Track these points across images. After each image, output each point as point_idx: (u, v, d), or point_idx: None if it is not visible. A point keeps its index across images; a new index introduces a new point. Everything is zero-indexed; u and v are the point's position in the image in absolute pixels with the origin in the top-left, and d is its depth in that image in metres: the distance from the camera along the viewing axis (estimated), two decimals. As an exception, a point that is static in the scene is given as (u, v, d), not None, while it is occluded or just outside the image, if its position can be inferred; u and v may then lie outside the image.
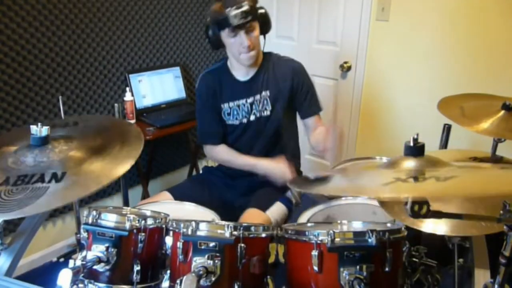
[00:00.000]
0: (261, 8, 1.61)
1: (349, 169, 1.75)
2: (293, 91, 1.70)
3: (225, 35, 1.58)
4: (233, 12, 1.51)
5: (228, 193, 1.81)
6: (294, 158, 1.83)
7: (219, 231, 1.05)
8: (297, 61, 1.74)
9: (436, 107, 1.54)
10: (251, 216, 1.57)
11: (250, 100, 1.71)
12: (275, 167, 1.63)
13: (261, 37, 1.66)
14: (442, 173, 0.84)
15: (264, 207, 1.61)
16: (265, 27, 1.63)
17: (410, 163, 0.91)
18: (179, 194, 1.72)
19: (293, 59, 1.75)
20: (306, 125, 1.76)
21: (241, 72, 1.72)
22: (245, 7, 1.51)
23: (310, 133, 1.73)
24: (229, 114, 1.75)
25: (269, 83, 1.70)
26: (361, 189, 0.90)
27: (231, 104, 1.73)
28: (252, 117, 1.73)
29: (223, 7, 1.53)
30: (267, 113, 1.71)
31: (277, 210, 1.65)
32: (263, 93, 1.70)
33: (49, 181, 1.03)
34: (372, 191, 0.85)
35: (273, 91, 1.69)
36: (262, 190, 1.73)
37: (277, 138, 1.76)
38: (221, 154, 1.80)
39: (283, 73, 1.69)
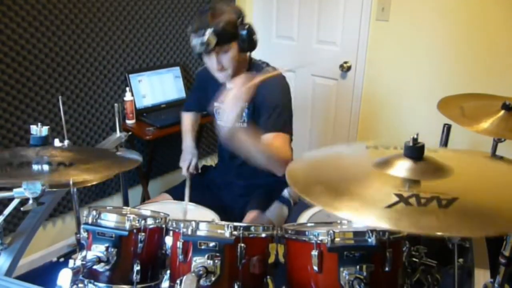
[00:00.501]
0: (242, 26, 1.50)
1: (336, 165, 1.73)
2: (258, 104, 1.58)
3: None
4: (194, 41, 1.47)
5: (226, 193, 1.81)
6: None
7: (219, 231, 1.05)
8: (280, 78, 1.60)
9: (436, 107, 1.54)
10: (252, 219, 1.57)
11: None
12: (183, 151, 1.88)
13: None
14: (444, 189, 0.82)
15: (263, 208, 1.61)
16: (248, 44, 1.52)
17: (401, 169, 0.90)
18: (179, 194, 1.72)
19: (277, 73, 1.55)
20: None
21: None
22: (205, 38, 1.44)
23: None
24: (218, 113, 1.74)
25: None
26: (357, 210, 0.79)
27: (220, 105, 1.70)
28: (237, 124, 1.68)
29: (191, 30, 1.50)
30: (244, 125, 1.63)
31: (276, 210, 1.65)
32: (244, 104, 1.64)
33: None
34: (372, 215, 0.76)
35: (250, 106, 1.60)
36: (260, 191, 1.73)
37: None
38: (184, 119, 2.00)
39: (262, 90, 1.46)
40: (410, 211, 0.76)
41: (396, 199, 0.78)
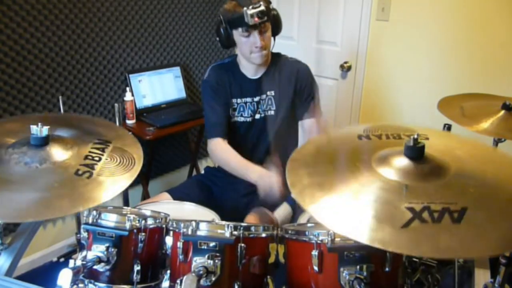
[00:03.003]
0: (274, 9, 1.63)
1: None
2: (296, 92, 1.71)
3: (238, 34, 1.60)
4: (250, 11, 1.52)
5: (229, 194, 1.81)
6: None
7: (219, 231, 1.05)
8: (304, 63, 1.76)
9: (436, 107, 1.55)
10: (258, 214, 1.56)
11: (256, 99, 1.73)
12: (265, 177, 1.49)
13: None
14: (451, 195, 0.81)
15: (271, 207, 1.60)
16: (276, 28, 1.66)
17: (404, 170, 0.89)
18: (179, 195, 1.72)
19: (300, 61, 1.77)
20: (303, 127, 1.77)
21: (250, 70, 1.73)
22: (262, 7, 1.53)
23: (306, 136, 1.74)
24: (235, 110, 1.75)
25: (275, 83, 1.71)
26: (372, 230, 0.77)
27: (239, 100, 1.74)
28: (257, 116, 1.74)
29: (239, 6, 1.54)
30: (271, 112, 1.73)
31: (283, 211, 1.64)
32: (268, 93, 1.72)
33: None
34: (389, 238, 0.75)
35: (278, 91, 1.71)
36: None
37: (279, 139, 1.76)
38: (221, 148, 1.69)
39: (289, 75, 1.71)
40: (426, 231, 0.75)
41: (410, 215, 0.77)
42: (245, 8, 1.52)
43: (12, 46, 2.00)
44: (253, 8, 1.52)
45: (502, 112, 1.42)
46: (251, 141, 1.78)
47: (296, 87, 1.71)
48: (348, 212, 0.82)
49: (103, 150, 1.21)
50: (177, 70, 2.70)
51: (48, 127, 1.12)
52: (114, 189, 1.12)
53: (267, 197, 1.46)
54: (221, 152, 1.70)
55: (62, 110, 1.72)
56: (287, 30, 2.90)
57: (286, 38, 2.91)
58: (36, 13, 2.05)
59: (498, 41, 2.10)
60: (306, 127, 1.75)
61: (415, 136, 0.89)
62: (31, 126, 1.10)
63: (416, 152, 0.89)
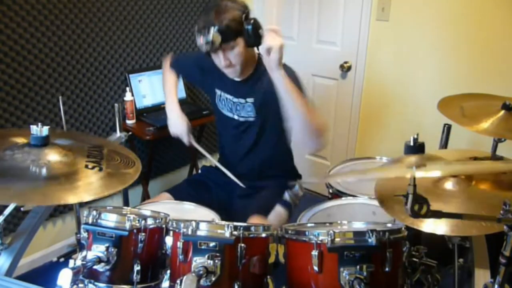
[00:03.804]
0: (247, 22, 1.46)
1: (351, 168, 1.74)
2: (275, 98, 1.46)
3: None
4: (199, 40, 1.48)
5: (226, 193, 1.81)
6: (286, 160, 1.84)
7: (219, 231, 1.05)
8: (288, 67, 1.56)
9: (436, 107, 1.54)
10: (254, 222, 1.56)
11: (235, 100, 1.70)
12: (173, 117, 1.73)
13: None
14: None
15: (265, 213, 1.60)
16: (251, 42, 1.48)
17: (412, 158, 0.90)
18: (179, 194, 1.72)
19: (285, 65, 1.52)
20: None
21: None
22: (209, 37, 1.45)
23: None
24: (220, 100, 1.75)
25: (256, 91, 1.63)
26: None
27: (223, 93, 1.73)
28: (236, 117, 1.71)
29: (196, 28, 1.50)
30: (251, 119, 1.68)
31: (278, 214, 1.64)
32: (248, 99, 1.66)
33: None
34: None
35: (258, 99, 1.63)
36: (261, 194, 1.72)
37: (262, 143, 1.73)
38: (166, 67, 1.89)
39: (269, 83, 1.45)
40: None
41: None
42: (197, 35, 1.48)
43: (12, 46, 2.00)
44: (201, 35, 1.46)
45: (502, 112, 1.41)
46: (234, 138, 1.77)
47: (273, 93, 1.45)
48: None
49: (100, 151, 1.22)
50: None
51: (48, 127, 1.12)
52: (125, 179, 1.20)
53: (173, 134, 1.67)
54: (165, 69, 1.91)
55: (62, 110, 1.72)
56: (287, 30, 2.90)
57: (286, 38, 2.91)
58: (36, 13, 2.05)
59: (498, 41, 2.10)
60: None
61: (415, 136, 0.90)
62: (31, 126, 1.11)
63: (416, 150, 0.90)
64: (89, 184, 1.07)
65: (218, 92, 1.75)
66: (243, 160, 1.77)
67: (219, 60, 1.54)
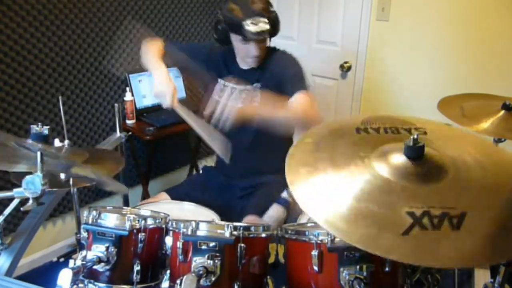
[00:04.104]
0: (273, 12, 1.57)
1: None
2: (281, 81, 1.61)
3: (235, 38, 1.58)
4: (250, 27, 1.48)
5: (226, 194, 1.81)
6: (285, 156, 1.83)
7: (219, 231, 1.05)
8: (288, 54, 1.70)
9: (436, 107, 1.55)
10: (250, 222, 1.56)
11: (241, 87, 1.70)
12: (158, 77, 1.62)
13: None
14: (450, 199, 0.81)
15: (261, 212, 1.60)
16: (275, 33, 1.62)
17: (404, 171, 0.89)
18: (177, 195, 1.72)
19: (284, 51, 1.72)
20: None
21: (241, 62, 1.72)
22: (264, 27, 1.49)
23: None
24: (221, 91, 1.74)
25: (263, 76, 1.68)
26: (370, 237, 0.76)
27: (226, 83, 1.73)
28: (240, 105, 1.70)
29: (242, 14, 1.49)
30: (256, 103, 1.68)
31: (274, 212, 1.64)
32: (255, 84, 1.69)
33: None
34: (390, 245, 0.74)
35: (264, 83, 1.67)
36: (258, 193, 1.72)
37: (264, 135, 1.72)
38: (149, 43, 1.81)
39: (275, 67, 1.66)
40: (426, 238, 0.74)
41: (410, 220, 0.76)
42: (246, 21, 1.48)
43: (12, 46, 2.00)
44: (253, 24, 1.48)
45: (502, 112, 1.41)
46: (236, 131, 1.75)
47: (280, 73, 1.64)
48: (349, 216, 0.80)
49: None
50: (177, 70, 2.70)
51: (48, 127, 1.12)
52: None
53: (158, 99, 1.58)
54: (149, 43, 1.81)
55: (62, 110, 1.71)
56: (287, 30, 2.90)
57: (286, 38, 2.91)
58: (36, 13, 2.05)
59: (498, 41, 2.10)
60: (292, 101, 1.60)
61: (415, 136, 0.89)
62: (31, 126, 1.11)
63: (415, 152, 0.89)
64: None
65: (220, 81, 1.74)
66: (245, 154, 1.76)
67: (253, 49, 1.56)
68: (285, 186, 1.72)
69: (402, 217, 0.77)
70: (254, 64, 1.66)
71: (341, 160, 0.93)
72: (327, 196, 0.84)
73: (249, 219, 1.58)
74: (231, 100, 1.43)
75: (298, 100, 1.53)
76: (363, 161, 0.90)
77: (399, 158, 0.89)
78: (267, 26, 1.51)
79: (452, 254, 0.73)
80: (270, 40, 1.71)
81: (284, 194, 1.72)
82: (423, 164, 0.88)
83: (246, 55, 1.62)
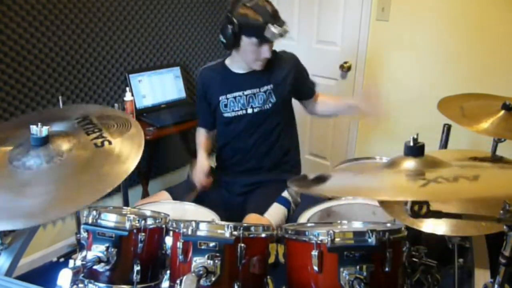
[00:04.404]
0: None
1: (349, 169, 1.74)
2: (295, 80, 1.75)
3: (248, 41, 1.58)
4: (275, 29, 1.54)
5: (226, 193, 1.81)
6: (293, 152, 1.89)
7: (219, 231, 1.05)
8: (289, 52, 1.81)
9: (436, 107, 1.54)
10: (251, 221, 1.57)
11: (247, 92, 1.73)
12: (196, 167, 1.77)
13: None
14: (444, 174, 0.83)
15: (262, 211, 1.61)
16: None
17: (410, 163, 0.91)
18: (178, 193, 1.72)
19: (285, 51, 1.81)
20: (310, 103, 1.86)
21: (239, 66, 1.74)
22: (286, 28, 1.58)
23: (315, 106, 1.87)
24: (226, 106, 1.77)
25: (271, 77, 1.72)
26: (360, 190, 0.88)
27: (228, 96, 1.75)
28: (250, 110, 1.73)
29: (260, 18, 1.54)
30: (269, 105, 1.72)
31: (275, 211, 1.64)
32: (265, 87, 1.71)
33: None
34: (373, 192, 0.82)
35: (276, 84, 1.72)
36: (259, 192, 1.73)
37: (277, 131, 1.77)
38: (198, 135, 1.94)
39: (282, 67, 1.73)
40: (446, 186, 0.76)
41: (424, 181, 0.79)
42: (269, 24, 1.53)
43: (12, 46, 2.00)
44: (278, 26, 1.55)
45: (502, 112, 1.41)
46: (243, 135, 1.78)
47: (295, 75, 1.75)
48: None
49: (94, 125, 1.22)
50: (177, 70, 2.70)
51: (48, 127, 1.12)
52: (139, 140, 1.17)
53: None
54: (197, 137, 1.96)
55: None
56: (287, 30, 2.91)
57: (286, 38, 2.90)
58: (36, 13, 2.05)
59: (498, 41, 2.10)
60: (312, 100, 1.86)
61: (415, 136, 0.90)
62: (31, 126, 1.10)
63: (416, 151, 0.90)
64: (121, 156, 1.09)
65: (222, 98, 1.76)
66: (245, 154, 1.79)
67: (266, 51, 1.62)
68: (285, 185, 1.73)
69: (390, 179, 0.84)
70: (261, 67, 1.69)
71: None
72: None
73: (251, 217, 1.58)
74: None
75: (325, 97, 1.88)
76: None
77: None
78: (287, 27, 1.58)
79: (474, 195, 0.77)
80: None
81: (285, 194, 1.72)
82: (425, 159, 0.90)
83: (257, 58, 1.64)
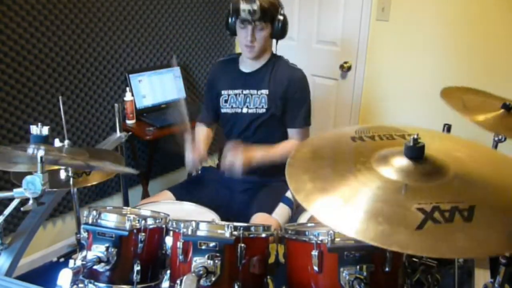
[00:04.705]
0: (283, 14, 1.66)
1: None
2: (286, 97, 1.72)
3: (237, 23, 1.65)
4: (243, 5, 1.58)
5: (227, 192, 1.81)
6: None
7: (219, 231, 1.05)
8: (301, 72, 1.75)
9: (436, 107, 1.54)
10: (260, 221, 1.57)
11: (246, 91, 1.75)
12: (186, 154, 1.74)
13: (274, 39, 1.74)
14: (457, 194, 0.82)
15: (269, 210, 1.61)
16: (278, 32, 1.68)
17: (411, 171, 0.89)
18: (181, 193, 1.72)
19: (299, 69, 1.77)
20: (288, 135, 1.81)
21: (246, 64, 1.78)
22: (255, 6, 1.57)
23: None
24: (226, 101, 1.79)
25: (269, 83, 1.73)
26: (385, 234, 0.77)
27: (230, 92, 1.78)
28: (245, 110, 1.75)
29: None
30: (262, 110, 1.74)
31: (281, 211, 1.65)
32: (262, 91, 1.73)
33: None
34: (406, 241, 0.75)
35: (271, 91, 1.72)
36: (263, 192, 1.74)
37: (276, 136, 1.77)
38: (197, 131, 1.94)
39: (281, 78, 1.72)
40: (440, 231, 0.75)
41: (421, 216, 0.77)
42: (241, 2, 1.58)
43: (12, 46, 2.00)
44: (246, 3, 1.57)
45: (502, 111, 1.41)
46: (236, 134, 1.80)
47: (287, 92, 1.71)
48: (358, 216, 0.80)
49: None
50: (177, 70, 2.70)
51: (48, 127, 1.12)
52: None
53: (229, 172, 1.59)
54: (197, 131, 1.94)
55: (62, 110, 1.72)
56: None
57: (286, 38, 2.90)
58: (36, 13, 2.05)
59: (498, 41, 2.10)
60: (288, 136, 1.79)
61: (415, 136, 0.89)
62: (31, 126, 1.11)
63: (416, 152, 0.89)
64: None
65: (224, 93, 1.79)
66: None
67: (246, 34, 1.63)
68: (287, 186, 1.73)
69: (413, 214, 0.78)
70: (251, 56, 1.70)
71: (343, 166, 0.94)
72: (337, 201, 0.85)
73: (259, 217, 1.59)
74: (232, 156, 1.57)
75: (299, 136, 1.75)
76: (365, 165, 0.91)
77: (400, 160, 0.90)
78: (259, 8, 1.57)
79: (467, 245, 0.74)
80: (277, 43, 1.76)
81: (288, 194, 1.73)
82: (424, 163, 0.89)
83: (243, 42, 1.67)
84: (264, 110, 1.73)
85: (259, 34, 1.64)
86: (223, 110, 1.81)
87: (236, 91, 1.77)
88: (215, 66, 1.91)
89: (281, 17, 1.65)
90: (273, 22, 1.64)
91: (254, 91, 1.74)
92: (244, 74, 1.77)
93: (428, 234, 0.75)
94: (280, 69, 1.74)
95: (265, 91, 1.73)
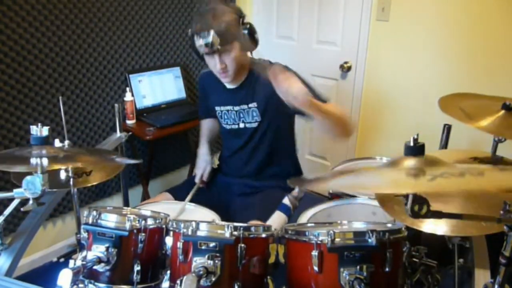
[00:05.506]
0: (243, 25, 1.51)
1: (349, 169, 1.74)
2: (278, 100, 1.35)
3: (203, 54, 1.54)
4: (198, 42, 1.48)
5: (226, 193, 1.81)
6: (291, 165, 1.86)
7: (219, 231, 1.05)
8: (277, 64, 1.57)
9: (436, 107, 1.54)
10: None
11: (236, 108, 1.70)
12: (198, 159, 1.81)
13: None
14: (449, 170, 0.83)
15: (264, 218, 1.60)
16: (248, 45, 1.54)
17: (412, 162, 0.90)
18: (180, 194, 1.72)
19: (271, 62, 1.66)
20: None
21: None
22: (209, 38, 1.44)
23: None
24: (221, 117, 1.77)
25: (255, 95, 1.65)
26: (362, 186, 0.86)
27: (222, 108, 1.75)
28: (242, 125, 1.72)
29: (194, 29, 1.49)
30: (255, 124, 1.69)
31: (277, 219, 1.64)
32: (250, 104, 1.67)
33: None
34: (374, 187, 0.81)
35: (261, 102, 1.65)
36: (260, 198, 1.72)
37: (269, 147, 1.75)
38: (201, 127, 1.95)
39: (265, 84, 1.44)
40: (453, 181, 0.76)
41: (431, 176, 0.78)
42: (195, 37, 1.48)
43: (12, 46, 2.00)
44: (200, 37, 1.46)
45: (502, 112, 1.41)
46: (243, 149, 1.77)
47: (276, 93, 1.40)
48: None
49: None
50: (177, 70, 2.70)
51: (48, 127, 1.12)
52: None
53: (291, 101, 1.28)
54: (202, 127, 1.95)
55: (62, 110, 1.72)
56: (287, 30, 2.91)
57: (286, 38, 2.91)
58: (36, 14, 2.05)
59: (499, 42, 2.10)
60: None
61: (415, 136, 0.90)
62: (31, 126, 1.11)
63: (416, 150, 0.90)
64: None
65: (218, 109, 1.76)
66: (248, 163, 1.79)
67: (215, 63, 1.53)
68: (285, 192, 1.73)
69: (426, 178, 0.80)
70: (228, 81, 1.62)
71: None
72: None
73: (253, 223, 1.57)
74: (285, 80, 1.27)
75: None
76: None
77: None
78: (215, 37, 1.44)
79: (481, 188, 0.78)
80: (251, 54, 1.65)
81: (286, 201, 1.71)
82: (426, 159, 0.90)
83: (215, 71, 1.57)
84: (257, 124, 1.69)
85: (228, 58, 1.52)
86: (222, 124, 1.78)
87: (228, 107, 1.72)
88: (201, 79, 1.84)
89: (245, 30, 1.50)
90: (238, 38, 1.50)
91: (245, 106, 1.68)
92: (230, 91, 1.70)
93: (441, 182, 0.76)
94: (260, 76, 1.60)
95: (253, 105, 1.66)
